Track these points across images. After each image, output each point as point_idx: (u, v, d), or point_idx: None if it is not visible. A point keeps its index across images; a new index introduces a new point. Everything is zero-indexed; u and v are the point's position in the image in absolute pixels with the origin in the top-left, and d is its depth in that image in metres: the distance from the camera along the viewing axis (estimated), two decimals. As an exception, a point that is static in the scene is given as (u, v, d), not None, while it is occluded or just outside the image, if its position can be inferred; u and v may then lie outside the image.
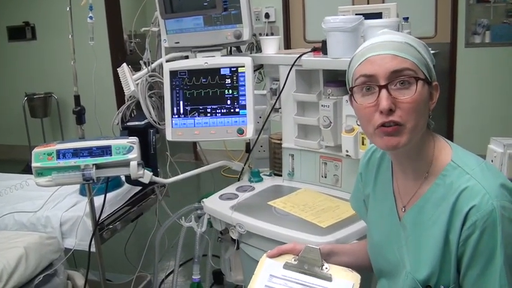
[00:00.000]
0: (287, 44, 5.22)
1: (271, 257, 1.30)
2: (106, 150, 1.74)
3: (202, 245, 2.23)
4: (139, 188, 2.49)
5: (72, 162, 1.74)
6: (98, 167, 1.75)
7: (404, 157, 1.20)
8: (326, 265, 1.24)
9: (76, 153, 1.74)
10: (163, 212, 2.49)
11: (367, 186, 1.38)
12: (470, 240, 1.06)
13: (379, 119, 1.11)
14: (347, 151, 1.92)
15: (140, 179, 1.90)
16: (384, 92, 1.09)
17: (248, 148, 2.50)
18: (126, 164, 1.76)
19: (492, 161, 1.76)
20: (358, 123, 1.21)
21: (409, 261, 1.19)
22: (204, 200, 2.13)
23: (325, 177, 2.15)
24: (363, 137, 1.88)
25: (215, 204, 2.07)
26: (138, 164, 1.76)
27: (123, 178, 2.46)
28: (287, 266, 1.26)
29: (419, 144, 1.16)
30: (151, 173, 1.98)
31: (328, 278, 1.22)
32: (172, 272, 2.67)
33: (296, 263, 1.26)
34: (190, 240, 2.26)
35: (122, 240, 2.64)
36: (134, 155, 1.75)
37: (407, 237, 1.21)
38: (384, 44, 1.13)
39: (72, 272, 2.21)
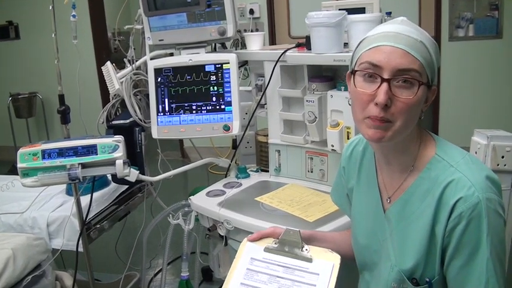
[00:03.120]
0: (272, 40, 5.22)
1: (252, 240, 1.31)
2: (91, 150, 1.74)
3: (190, 242, 2.23)
4: (126, 186, 2.49)
5: (57, 162, 1.73)
6: (84, 166, 1.75)
7: (390, 150, 1.21)
8: (306, 247, 1.26)
9: (61, 153, 1.73)
10: (153, 210, 2.49)
11: (351, 179, 1.39)
12: (455, 231, 1.08)
13: (372, 111, 1.10)
14: (332, 146, 1.93)
15: (127, 178, 1.89)
16: (384, 85, 1.08)
17: (234, 145, 2.50)
18: (112, 162, 1.76)
19: (476, 152, 1.78)
20: (350, 103, 1.20)
21: (394, 254, 1.21)
22: (191, 197, 2.13)
23: (312, 172, 2.17)
24: (348, 132, 1.89)
25: (202, 201, 2.07)
26: (124, 163, 1.76)
27: (110, 177, 2.45)
28: (268, 249, 1.28)
29: (405, 139, 1.16)
30: (138, 172, 1.98)
31: (309, 259, 1.24)
32: (161, 270, 2.67)
33: (277, 245, 1.28)
34: (178, 238, 2.26)
35: (110, 239, 2.64)
36: (120, 153, 1.75)
37: (391, 230, 1.22)
38: (399, 36, 1.10)
39: (61, 273, 2.20)
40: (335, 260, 1.24)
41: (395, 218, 1.22)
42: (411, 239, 1.17)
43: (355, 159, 1.36)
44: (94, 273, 2.18)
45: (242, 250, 1.30)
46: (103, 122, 2.23)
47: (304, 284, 1.20)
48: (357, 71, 1.14)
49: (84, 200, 2.10)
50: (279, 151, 2.25)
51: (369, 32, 1.17)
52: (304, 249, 1.26)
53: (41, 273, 2.04)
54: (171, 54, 2.24)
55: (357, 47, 1.19)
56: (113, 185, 2.45)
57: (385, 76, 1.08)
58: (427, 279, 1.15)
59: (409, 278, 1.16)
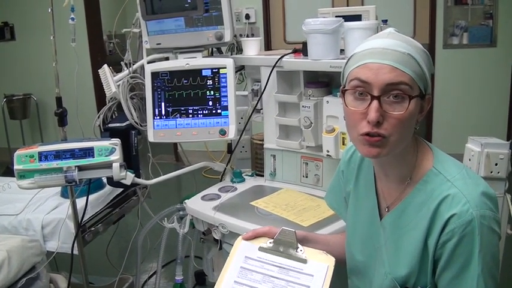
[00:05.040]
0: (267, 45, 5.25)
1: (247, 239, 1.30)
2: (88, 152, 1.74)
3: (184, 246, 2.24)
4: (121, 189, 2.49)
5: (54, 164, 1.73)
6: (81, 168, 1.75)
7: (387, 163, 1.21)
8: (301, 247, 1.26)
9: (58, 155, 1.73)
10: (145, 214, 2.49)
11: (349, 183, 1.39)
12: (447, 245, 1.08)
13: (365, 128, 1.09)
14: (328, 151, 1.95)
15: (122, 181, 1.90)
16: (375, 103, 1.07)
17: (230, 149, 2.51)
18: (108, 165, 1.76)
19: (470, 159, 1.80)
20: (345, 118, 1.20)
21: (388, 261, 1.22)
22: (186, 200, 2.13)
23: (307, 177, 2.18)
24: (343, 137, 1.91)
25: (197, 205, 2.07)
26: (121, 166, 1.77)
27: (105, 180, 2.45)
28: (262, 248, 1.27)
29: (402, 150, 1.16)
30: (133, 175, 1.98)
31: (303, 260, 1.23)
32: (155, 273, 2.67)
33: (271, 245, 1.27)
34: (172, 242, 2.26)
35: (104, 242, 2.63)
36: (116, 156, 1.76)
37: (387, 239, 1.23)
38: (386, 52, 1.08)
39: (55, 275, 2.20)
40: (329, 262, 1.24)
41: (391, 226, 1.23)
42: (405, 249, 1.18)
43: (354, 163, 1.37)
44: (87, 276, 2.18)
45: (236, 248, 1.30)
46: (99, 125, 2.23)
47: (298, 284, 1.20)
48: (347, 90, 1.14)
49: (80, 202, 2.10)
50: (274, 156, 2.27)
51: (356, 48, 1.16)
52: (299, 250, 1.26)
53: (35, 276, 2.04)
54: (167, 59, 2.25)
55: (346, 63, 1.19)
56: (107, 187, 2.45)
57: (375, 93, 1.07)
58: None
59: (402, 286, 1.17)
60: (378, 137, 1.09)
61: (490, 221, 1.07)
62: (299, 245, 1.26)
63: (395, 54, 1.08)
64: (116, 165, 1.75)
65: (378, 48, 1.10)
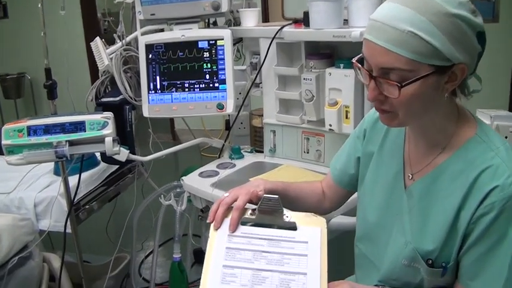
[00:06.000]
0: (265, 20, 5.13)
1: (217, 226, 1.13)
2: (79, 126, 1.66)
3: (182, 224, 2.18)
4: (116, 167, 2.42)
5: (43, 139, 1.66)
6: (72, 143, 1.67)
7: (418, 128, 1.13)
8: (287, 213, 1.14)
9: (48, 129, 1.66)
10: (142, 192, 2.42)
11: (372, 144, 1.30)
12: (483, 219, 1.01)
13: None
14: (330, 125, 1.88)
15: (117, 157, 1.83)
16: (372, 82, 1.02)
17: (228, 125, 2.45)
18: (101, 140, 1.68)
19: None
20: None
21: (411, 231, 1.14)
22: (183, 177, 2.07)
23: (308, 152, 2.11)
24: (346, 111, 1.83)
25: (195, 182, 2.01)
26: (114, 140, 1.69)
27: (99, 157, 2.38)
28: (245, 222, 1.14)
29: (438, 119, 1.08)
30: (128, 151, 1.91)
31: (293, 227, 1.12)
32: (152, 252, 2.62)
33: (255, 217, 1.14)
34: (170, 220, 2.20)
35: (100, 221, 2.58)
36: (109, 130, 1.67)
37: (412, 207, 1.16)
38: (383, 29, 0.97)
39: (48, 254, 2.14)
40: (321, 224, 1.12)
41: (419, 194, 1.14)
42: (433, 219, 1.10)
43: (382, 124, 1.22)
44: (83, 254, 2.12)
45: (214, 235, 1.14)
46: (92, 100, 2.16)
47: (294, 255, 1.08)
48: (356, 61, 1.08)
49: (73, 180, 2.02)
50: (274, 131, 2.19)
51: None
52: (285, 216, 1.14)
53: (27, 255, 1.97)
54: (162, 31, 2.16)
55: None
56: (102, 165, 2.38)
57: (374, 73, 1.02)
58: (443, 264, 1.09)
59: (423, 258, 1.10)
60: (385, 111, 1.04)
61: None
62: (285, 211, 1.14)
63: (393, 33, 0.96)
64: (108, 139, 1.67)
65: (378, 21, 0.99)
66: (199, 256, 2.90)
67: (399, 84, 0.98)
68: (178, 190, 2.17)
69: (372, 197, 1.27)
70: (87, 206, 2.20)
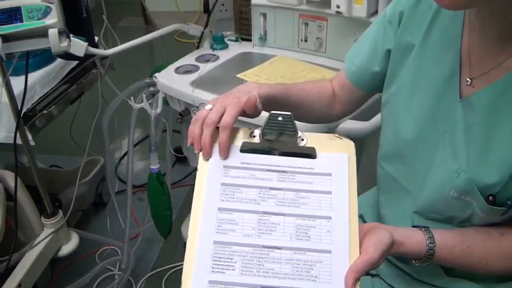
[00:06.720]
0: None
1: (207, 156, 0.83)
2: (14, 15, 1.27)
3: (158, 129, 1.88)
4: (76, 62, 2.05)
5: (-33, 34, 1.27)
6: (7, 39, 1.29)
7: (490, 13, 0.80)
8: (301, 135, 0.84)
9: (-28, 20, 1.26)
10: (110, 90, 2.08)
11: (411, 33, 0.95)
12: None
13: None
14: (338, 6, 1.54)
15: (72, 52, 1.46)
16: None
17: (206, 7, 2.10)
18: (44, 33, 1.30)
19: None
20: None
21: (467, 155, 0.85)
22: (156, 74, 1.75)
23: (306, 41, 1.81)
24: (359, -14, 1.48)
25: (171, 80, 1.71)
26: (61, 33, 1.30)
27: (55, 51, 2.00)
28: (246, 148, 0.83)
29: None
30: (87, 43, 1.54)
31: (311, 154, 0.82)
32: (126, 153, 2.37)
33: (258, 141, 0.84)
34: (144, 118, 1.89)
35: (66, 123, 2.30)
36: (53, 19, 1.28)
37: (470, 123, 0.85)
38: None
39: (2, 172, 1.84)
40: (349, 149, 0.83)
41: (483, 107, 0.83)
42: (501, 143, 0.81)
43: (428, 7, 0.91)
44: (53, 157, 1.82)
45: (204, 167, 0.83)
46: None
47: (313, 192, 0.80)
48: None
49: (20, 82, 1.66)
50: (264, 14, 1.87)
51: None
52: (299, 139, 0.84)
53: (-25, 173, 1.68)
54: None
55: None
56: (59, 60, 2.01)
57: None
58: (508, 202, 0.81)
59: (483, 194, 0.82)
60: None
61: None
62: (300, 132, 0.84)
63: None
64: (53, 31, 1.28)
65: None
66: (180, 153, 2.62)
67: None
68: (151, 89, 1.83)
69: (408, 106, 0.95)
70: (44, 111, 1.86)
